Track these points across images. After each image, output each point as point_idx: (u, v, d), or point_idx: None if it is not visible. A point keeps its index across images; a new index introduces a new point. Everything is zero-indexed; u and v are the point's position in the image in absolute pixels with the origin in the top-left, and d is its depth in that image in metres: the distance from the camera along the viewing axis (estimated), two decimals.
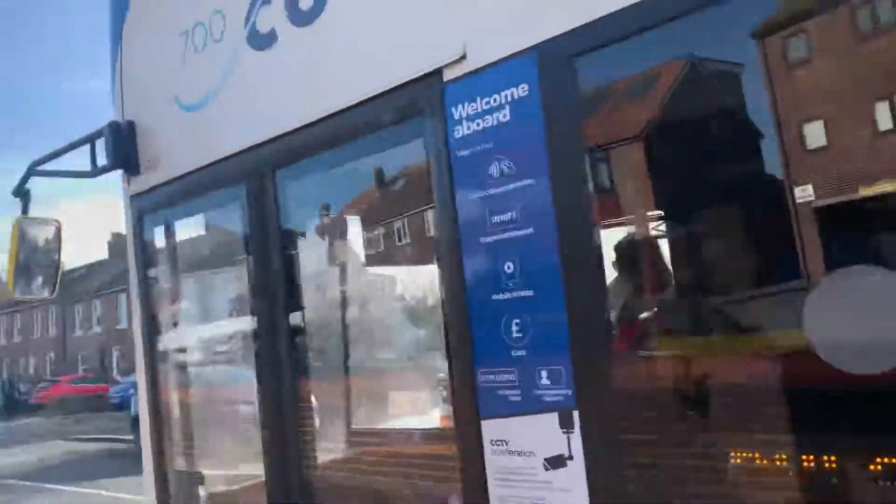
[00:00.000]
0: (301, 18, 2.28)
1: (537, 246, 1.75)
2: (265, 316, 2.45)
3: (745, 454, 1.76)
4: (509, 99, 1.79)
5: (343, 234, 2.97)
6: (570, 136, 1.70)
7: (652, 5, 1.57)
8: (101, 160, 2.91)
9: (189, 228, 3.00)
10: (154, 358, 2.88)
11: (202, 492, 2.87)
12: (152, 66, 2.88)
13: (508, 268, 1.81)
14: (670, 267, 1.89)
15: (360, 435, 2.81)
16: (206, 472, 2.88)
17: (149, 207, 2.88)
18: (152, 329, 2.92)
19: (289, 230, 2.48)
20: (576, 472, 1.68)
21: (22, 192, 3.13)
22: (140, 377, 2.92)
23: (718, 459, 1.79)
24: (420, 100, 1.97)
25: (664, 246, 2.04)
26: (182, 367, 3.01)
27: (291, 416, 2.35)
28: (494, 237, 1.83)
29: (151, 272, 2.96)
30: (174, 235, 3.00)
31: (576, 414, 1.68)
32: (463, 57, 1.88)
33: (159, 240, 2.99)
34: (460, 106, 1.89)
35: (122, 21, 3.00)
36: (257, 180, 2.42)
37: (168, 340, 2.95)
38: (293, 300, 2.45)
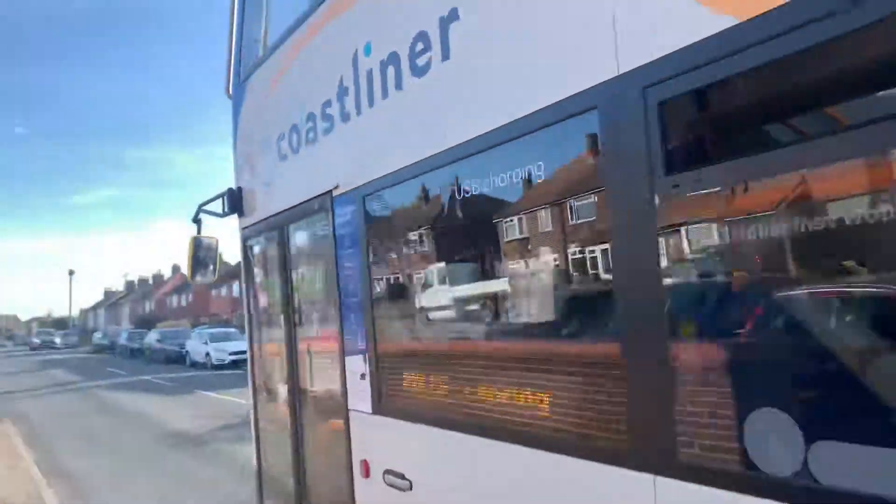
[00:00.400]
0: (293, 150, 4.59)
1: (359, 279, 3.92)
2: (281, 300, 4.89)
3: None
4: (350, 210, 3.96)
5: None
6: (363, 231, 3.84)
7: (398, 176, 3.61)
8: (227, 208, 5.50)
9: (266, 248, 5.48)
10: (252, 320, 5.49)
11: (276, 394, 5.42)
12: (247, 158, 5.37)
13: (352, 286, 4.00)
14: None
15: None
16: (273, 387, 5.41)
17: (249, 235, 5.42)
18: (252, 301, 5.51)
19: (294, 259, 4.86)
20: (368, 381, 3.87)
21: (196, 220, 5.78)
22: (247, 336, 5.56)
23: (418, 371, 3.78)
24: (326, 203, 4.19)
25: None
26: (268, 324, 5.55)
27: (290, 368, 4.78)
28: (347, 272, 4.03)
29: (252, 270, 5.53)
30: (261, 251, 5.50)
31: (367, 356, 3.86)
32: (337, 186, 4.06)
33: (255, 252, 5.52)
34: (338, 208, 4.08)
35: (236, 129, 5.54)
36: (279, 230, 4.82)
37: (261, 308, 5.53)
38: (282, 294, 4.86)
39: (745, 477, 1.97)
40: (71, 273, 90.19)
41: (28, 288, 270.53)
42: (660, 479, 2.19)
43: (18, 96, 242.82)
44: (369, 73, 3.66)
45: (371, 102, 3.67)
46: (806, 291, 2.02)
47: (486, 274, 3.23)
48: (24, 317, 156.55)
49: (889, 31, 1.68)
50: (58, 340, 73.71)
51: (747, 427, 1.99)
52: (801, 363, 2.00)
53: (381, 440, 3.81)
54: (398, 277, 3.77)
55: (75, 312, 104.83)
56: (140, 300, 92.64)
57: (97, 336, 66.57)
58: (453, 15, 3.07)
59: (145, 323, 66.63)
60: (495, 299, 3.18)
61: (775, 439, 1.93)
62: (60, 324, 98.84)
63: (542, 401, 2.79)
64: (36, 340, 76.14)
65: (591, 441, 2.52)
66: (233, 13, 5.56)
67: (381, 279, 3.84)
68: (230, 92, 5.68)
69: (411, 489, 3.48)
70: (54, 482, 10.01)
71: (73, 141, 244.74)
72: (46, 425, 16.46)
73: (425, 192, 3.47)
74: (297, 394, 4.82)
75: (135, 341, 50.17)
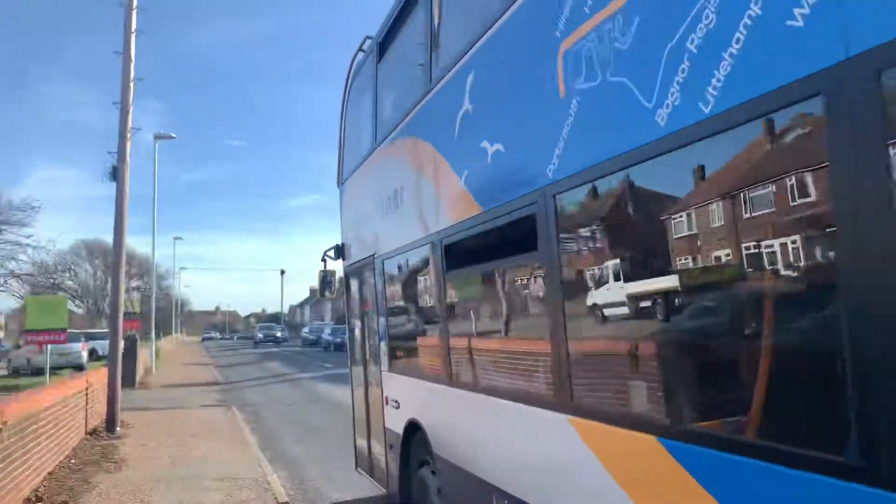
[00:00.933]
0: (361, 228, 8.63)
1: (381, 301, 7.91)
2: (359, 312, 8.98)
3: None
4: (380, 266, 7.94)
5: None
6: (382, 277, 7.80)
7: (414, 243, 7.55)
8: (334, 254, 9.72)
9: (354, 281, 9.54)
10: (348, 323, 9.69)
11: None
12: (346, 227, 9.54)
13: (380, 306, 7.99)
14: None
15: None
16: (357, 361, 9.48)
17: (348, 272, 9.61)
18: (350, 315, 9.71)
19: (364, 289, 8.90)
20: (387, 354, 7.83)
21: (323, 260, 10.02)
22: (347, 334, 9.80)
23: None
24: (372, 260, 8.17)
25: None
26: (354, 325, 9.62)
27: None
28: (379, 298, 8.02)
29: (349, 293, 9.70)
30: (358, 283, 9.59)
31: (386, 342, 7.84)
32: (376, 252, 8.04)
33: (353, 284, 9.65)
34: (376, 264, 8.07)
35: (341, 209, 9.72)
36: (359, 271, 8.93)
37: (352, 316, 9.68)
38: (359, 308, 8.94)
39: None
40: (282, 273, 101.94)
41: (247, 286, 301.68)
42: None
43: (235, 113, 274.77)
44: (384, 200, 7.63)
45: (384, 215, 7.64)
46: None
47: (425, 303, 7.08)
48: (243, 313, 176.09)
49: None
50: (279, 335, 79.89)
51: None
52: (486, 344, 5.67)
53: (390, 384, 7.75)
54: (396, 302, 7.72)
55: (285, 309, 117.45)
56: (340, 297, 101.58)
57: (305, 331, 73.62)
58: (401, 188, 6.97)
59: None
60: (425, 320, 7.04)
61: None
62: (273, 319, 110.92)
63: (440, 361, 6.59)
64: (259, 335, 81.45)
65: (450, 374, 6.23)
66: (340, 135, 9.71)
67: (391, 303, 7.81)
68: (338, 185, 9.84)
69: (399, 408, 7.40)
70: (277, 467, 11.54)
71: (283, 151, 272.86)
72: (267, 413, 19.20)
73: (403, 264, 7.38)
74: (365, 365, 8.91)
75: (337, 336, 55.07)
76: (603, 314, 3.94)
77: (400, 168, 7.02)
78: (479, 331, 5.64)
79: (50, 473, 10.39)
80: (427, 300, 6.72)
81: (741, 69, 2.74)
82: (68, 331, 20.37)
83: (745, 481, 2.74)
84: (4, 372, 36.31)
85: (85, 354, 34.91)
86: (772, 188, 2.76)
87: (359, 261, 8.88)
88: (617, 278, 3.77)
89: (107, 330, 26.28)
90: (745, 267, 2.92)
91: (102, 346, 36.50)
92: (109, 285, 23.91)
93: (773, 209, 2.75)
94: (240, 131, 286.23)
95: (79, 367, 31.05)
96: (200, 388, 26.93)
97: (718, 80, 2.84)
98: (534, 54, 4.34)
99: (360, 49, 8.68)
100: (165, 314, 78.81)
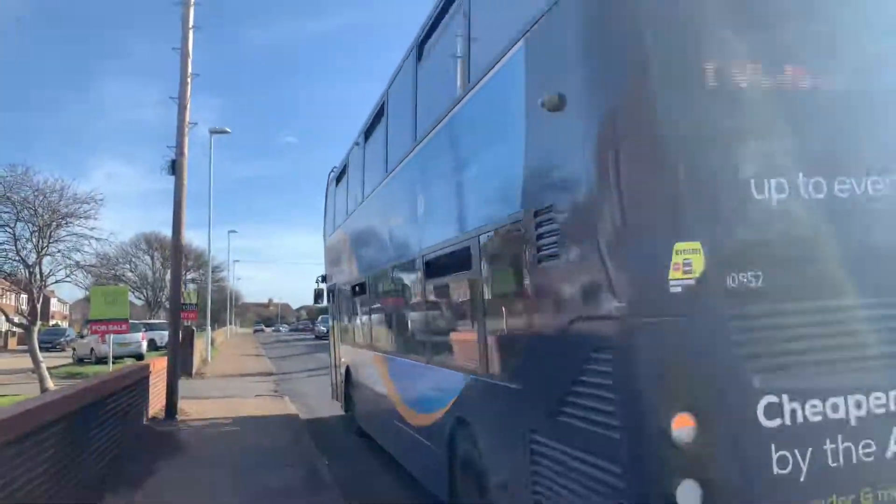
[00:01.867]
0: (335, 267, 14.66)
1: (340, 310, 15.07)
2: (337, 315, 15.08)
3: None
4: (341, 290, 14.89)
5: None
6: (336, 297, 13.96)
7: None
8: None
9: (332, 295, 15.99)
10: (335, 328, 16.10)
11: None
12: (328, 264, 17.37)
13: (337, 311, 15.21)
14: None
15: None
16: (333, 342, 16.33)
17: (329, 290, 18.00)
18: (330, 314, 16.25)
19: (337, 301, 16.13)
20: (340, 333, 14.18)
21: (317, 280, 17.17)
22: (330, 329, 16.26)
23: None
24: (335, 287, 14.50)
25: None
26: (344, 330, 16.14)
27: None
28: (341, 309, 15.00)
29: (332, 303, 16.39)
30: (332, 296, 17.10)
31: (338, 329, 14.98)
32: (336, 283, 14.42)
33: (330, 297, 17.46)
34: (338, 289, 14.40)
35: (325, 256, 16.91)
36: (331, 291, 16.51)
37: (331, 318, 16.37)
38: (335, 313, 15.45)
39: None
40: None
41: (297, 279, 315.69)
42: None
43: (288, 111, 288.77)
44: (336, 257, 15.03)
45: (337, 264, 15.40)
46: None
47: (346, 311, 13.46)
48: (294, 305, 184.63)
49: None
50: None
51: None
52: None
53: (342, 349, 16.32)
54: (342, 309, 15.34)
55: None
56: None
57: None
58: (339, 254, 14.09)
59: None
60: (346, 318, 13.60)
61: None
62: (322, 311, 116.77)
63: (349, 335, 13.46)
64: (323, 328, 77.86)
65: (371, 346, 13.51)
66: (324, 209, 15.89)
67: (339, 312, 15.31)
68: (323, 239, 17.00)
69: (343, 359, 15.99)
70: (325, 455, 12.22)
71: (331, 145, 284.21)
72: (320, 405, 19.95)
73: (343, 291, 14.90)
74: (334, 340, 17.53)
75: None
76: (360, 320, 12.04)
77: (340, 244, 15.48)
78: (353, 323, 14.26)
79: (112, 458, 10.62)
80: (347, 310, 15.12)
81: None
82: (129, 321, 21.24)
83: (395, 364, 10.89)
84: (70, 360, 40.85)
85: (144, 344, 38.74)
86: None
87: (331, 285, 17.17)
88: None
89: (164, 321, 30.33)
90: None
91: (160, 336, 42.05)
92: (167, 276, 28.12)
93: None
94: (292, 128, 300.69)
95: (138, 357, 34.54)
96: (254, 378, 28.39)
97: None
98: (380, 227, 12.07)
99: (333, 169, 16.81)
100: (220, 306, 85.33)
